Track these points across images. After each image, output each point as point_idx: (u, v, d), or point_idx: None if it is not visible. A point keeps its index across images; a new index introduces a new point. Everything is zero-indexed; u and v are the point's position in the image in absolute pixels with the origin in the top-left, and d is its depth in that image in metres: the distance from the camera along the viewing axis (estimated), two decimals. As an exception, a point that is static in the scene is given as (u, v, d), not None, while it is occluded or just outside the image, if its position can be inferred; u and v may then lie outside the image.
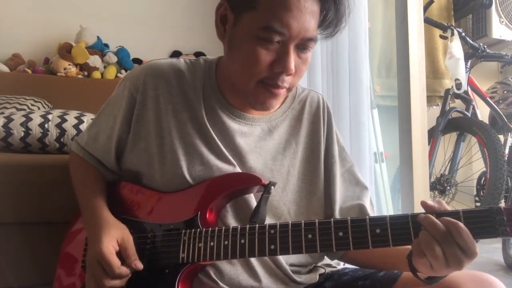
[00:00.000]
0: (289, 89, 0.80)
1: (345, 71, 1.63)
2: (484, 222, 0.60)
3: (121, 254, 0.75)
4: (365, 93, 1.61)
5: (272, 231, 0.69)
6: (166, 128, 0.84)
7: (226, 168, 0.82)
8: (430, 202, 0.65)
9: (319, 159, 0.91)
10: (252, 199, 0.83)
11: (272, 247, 0.69)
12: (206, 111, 0.84)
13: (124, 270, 0.73)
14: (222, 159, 0.83)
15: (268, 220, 0.80)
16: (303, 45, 0.75)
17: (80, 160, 0.95)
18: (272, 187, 0.78)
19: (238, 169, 0.83)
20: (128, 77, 0.89)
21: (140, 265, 0.74)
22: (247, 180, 0.80)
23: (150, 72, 0.86)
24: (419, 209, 0.76)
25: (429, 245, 0.60)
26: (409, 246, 0.64)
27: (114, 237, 0.75)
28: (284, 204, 0.86)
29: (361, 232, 0.64)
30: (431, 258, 0.60)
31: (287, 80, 0.77)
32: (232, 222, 0.81)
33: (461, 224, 0.59)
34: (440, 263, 0.60)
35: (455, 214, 0.61)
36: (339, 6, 0.77)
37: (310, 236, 0.67)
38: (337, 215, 0.89)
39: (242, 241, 0.71)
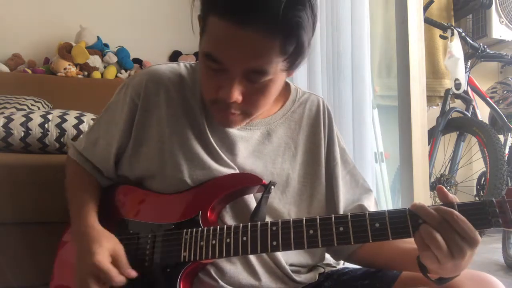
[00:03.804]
0: (247, 115, 0.77)
1: (347, 70, 1.62)
2: (477, 214, 0.62)
3: (114, 264, 0.73)
4: (367, 92, 1.60)
5: (274, 228, 0.70)
6: (167, 134, 0.83)
7: (226, 171, 0.82)
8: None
9: (319, 162, 0.91)
10: (252, 201, 0.83)
11: (274, 243, 0.69)
12: (207, 117, 0.84)
13: (122, 278, 0.72)
14: (222, 164, 0.83)
15: None
16: (249, 76, 0.70)
17: (75, 168, 0.94)
18: (272, 187, 0.79)
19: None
20: (129, 83, 0.88)
21: (133, 273, 0.73)
22: (248, 180, 0.80)
23: (152, 77, 0.86)
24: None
25: (430, 235, 0.61)
26: (415, 245, 0.64)
27: (107, 248, 0.74)
28: (284, 207, 0.86)
29: (361, 226, 0.66)
30: (435, 249, 0.60)
31: (236, 107, 0.74)
32: (231, 223, 0.81)
33: (456, 212, 0.61)
34: (444, 254, 0.60)
35: (450, 207, 0.63)
36: (299, 39, 0.67)
37: (311, 231, 0.67)
38: None
39: (244, 238, 0.71)
